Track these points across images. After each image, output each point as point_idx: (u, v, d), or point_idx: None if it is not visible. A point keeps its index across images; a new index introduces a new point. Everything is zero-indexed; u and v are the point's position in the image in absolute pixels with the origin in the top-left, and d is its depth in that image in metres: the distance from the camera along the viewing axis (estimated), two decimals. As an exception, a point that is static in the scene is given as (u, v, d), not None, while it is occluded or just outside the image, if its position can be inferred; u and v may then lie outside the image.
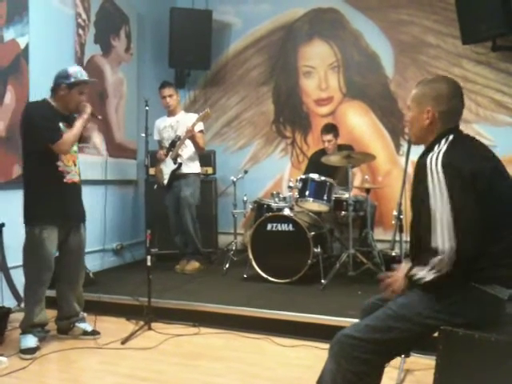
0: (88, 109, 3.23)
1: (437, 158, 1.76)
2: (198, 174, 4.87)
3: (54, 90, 3.19)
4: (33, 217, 3.15)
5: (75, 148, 3.31)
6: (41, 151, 3.09)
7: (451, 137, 1.85)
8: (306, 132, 5.98)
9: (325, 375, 1.89)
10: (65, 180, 3.18)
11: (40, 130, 3.09)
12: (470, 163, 1.73)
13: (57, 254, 3.31)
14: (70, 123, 3.20)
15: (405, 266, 1.92)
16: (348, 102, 5.79)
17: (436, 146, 1.84)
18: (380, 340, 1.76)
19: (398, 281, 1.90)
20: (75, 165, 3.28)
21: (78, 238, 3.34)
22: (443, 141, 1.84)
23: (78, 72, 3.19)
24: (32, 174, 3.18)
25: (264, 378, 2.77)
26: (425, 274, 1.74)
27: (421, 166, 1.83)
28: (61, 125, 3.16)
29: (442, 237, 1.68)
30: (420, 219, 1.82)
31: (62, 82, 3.15)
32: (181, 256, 4.95)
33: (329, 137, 4.97)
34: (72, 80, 3.14)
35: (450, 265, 1.67)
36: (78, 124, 3.19)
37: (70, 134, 3.13)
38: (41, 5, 4.26)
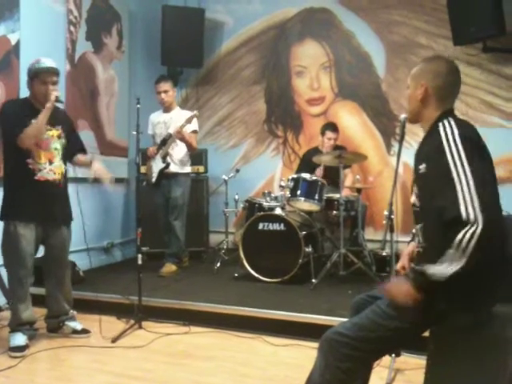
0: (51, 96, 3.09)
1: (452, 133, 1.74)
2: (188, 175, 4.82)
3: (27, 87, 3.19)
4: (6, 213, 3.14)
5: (56, 145, 3.22)
6: (12, 148, 3.06)
7: (451, 118, 1.82)
8: (297, 131, 5.98)
9: (314, 372, 1.89)
10: (36, 177, 3.11)
11: (5, 127, 3.08)
12: (481, 138, 1.75)
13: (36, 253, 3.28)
14: (49, 118, 3.13)
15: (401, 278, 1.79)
16: (340, 102, 5.80)
17: (441, 127, 1.79)
18: (368, 338, 1.77)
19: (401, 289, 1.72)
20: (51, 163, 3.18)
21: (59, 237, 3.28)
22: (446, 121, 1.81)
23: (34, 64, 3.10)
24: (6, 170, 3.18)
25: (255, 377, 2.78)
26: (446, 266, 1.61)
27: (432, 146, 1.78)
28: (33, 121, 3.08)
29: (473, 206, 1.59)
30: (439, 197, 1.70)
31: (27, 79, 3.14)
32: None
33: (334, 135, 5.01)
34: (30, 73, 3.10)
35: (476, 239, 1.57)
36: (41, 115, 3.07)
37: (31, 127, 3.05)
38: (32, 1, 4.22)
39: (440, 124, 1.81)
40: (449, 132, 1.75)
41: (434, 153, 1.75)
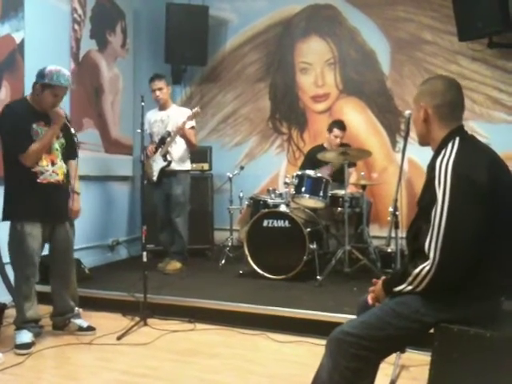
0: (60, 119, 3.12)
1: (447, 164, 1.71)
2: (188, 172, 4.79)
3: (32, 87, 3.15)
4: (13, 213, 3.14)
5: (56, 146, 3.22)
6: (13, 156, 3.07)
7: (457, 140, 1.80)
8: (302, 128, 5.97)
9: (321, 372, 1.88)
10: (38, 180, 3.12)
11: (7, 141, 3.09)
12: (484, 171, 1.69)
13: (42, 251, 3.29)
14: (46, 122, 3.14)
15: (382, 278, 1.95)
16: (344, 99, 5.79)
17: (443, 150, 1.78)
18: (377, 337, 1.76)
19: (379, 291, 1.92)
20: (54, 164, 3.19)
21: (63, 236, 3.30)
22: (450, 144, 1.79)
23: (54, 74, 3.05)
24: (8, 172, 3.17)
25: (260, 374, 2.78)
26: (405, 286, 1.76)
27: (430, 169, 1.79)
28: (34, 126, 3.09)
29: (435, 244, 1.67)
30: (421, 221, 1.81)
31: (37, 81, 3.10)
32: (165, 254, 4.87)
33: (341, 133, 5.00)
34: (45, 81, 3.05)
35: (430, 278, 1.68)
36: (47, 135, 3.10)
37: (35, 146, 3.05)
38: (36, 0, 4.23)
39: (444, 146, 1.81)
40: (444, 161, 1.73)
41: (431, 173, 1.78)
